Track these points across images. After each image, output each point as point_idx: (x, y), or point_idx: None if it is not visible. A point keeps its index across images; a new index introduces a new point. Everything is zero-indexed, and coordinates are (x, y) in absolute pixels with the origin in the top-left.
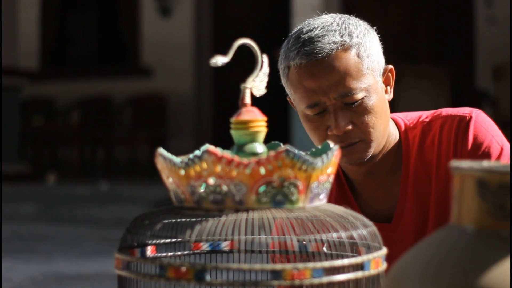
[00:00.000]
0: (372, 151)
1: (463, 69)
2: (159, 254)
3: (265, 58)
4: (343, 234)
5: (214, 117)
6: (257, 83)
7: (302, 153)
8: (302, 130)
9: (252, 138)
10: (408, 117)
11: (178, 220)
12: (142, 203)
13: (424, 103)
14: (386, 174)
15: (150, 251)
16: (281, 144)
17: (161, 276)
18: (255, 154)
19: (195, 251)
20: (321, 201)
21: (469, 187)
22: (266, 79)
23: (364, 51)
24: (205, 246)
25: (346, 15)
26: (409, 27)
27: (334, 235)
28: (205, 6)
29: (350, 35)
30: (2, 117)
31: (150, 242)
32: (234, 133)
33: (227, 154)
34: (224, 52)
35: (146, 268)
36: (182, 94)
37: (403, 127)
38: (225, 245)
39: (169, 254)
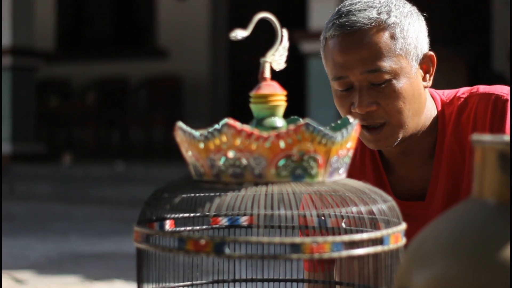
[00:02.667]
0: (400, 136)
1: (480, 52)
2: (178, 229)
3: (285, 32)
4: (363, 209)
5: (229, 99)
6: (276, 57)
7: (322, 127)
8: (319, 108)
9: (272, 112)
10: (446, 93)
11: (197, 194)
12: (157, 184)
13: (440, 86)
14: (423, 154)
15: (168, 225)
16: (300, 119)
17: (180, 249)
18: (274, 128)
19: (214, 226)
20: (341, 175)
21: (491, 160)
22: (285, 53)
23: (400, 32)
24: (223, 221)
25: None
26: (426, 10)
27: (354, 209)
28: None
29: (388, 13)
30: (18, 97)
31: (168, 216)
32: (253, 107)
33: (246, 127)
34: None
35: (165, 241)
36: (197, 76)
37: (440, 104)
38: (243, 220)
39: (188, 228)
